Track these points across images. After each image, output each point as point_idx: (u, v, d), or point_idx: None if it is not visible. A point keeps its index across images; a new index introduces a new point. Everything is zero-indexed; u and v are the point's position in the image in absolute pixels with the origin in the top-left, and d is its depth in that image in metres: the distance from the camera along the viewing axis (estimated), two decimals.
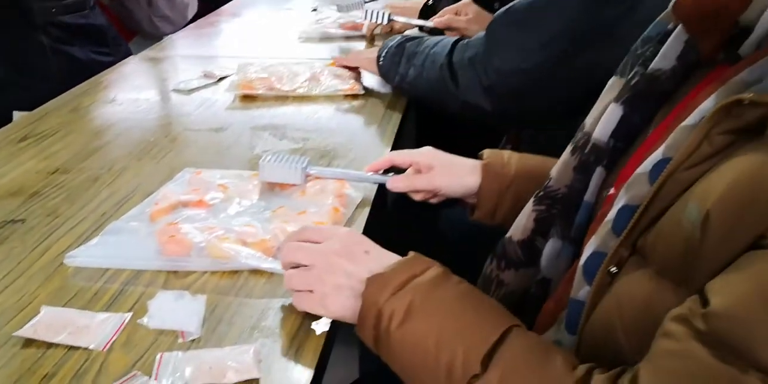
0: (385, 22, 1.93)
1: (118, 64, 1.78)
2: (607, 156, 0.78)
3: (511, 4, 1.29)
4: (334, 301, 0.73)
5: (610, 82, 0.82)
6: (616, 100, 0.77)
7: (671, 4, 0.71)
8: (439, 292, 0.69)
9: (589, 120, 0.82)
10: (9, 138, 1.29)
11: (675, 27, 0.74)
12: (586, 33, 1.18)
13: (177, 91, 1.55)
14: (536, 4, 1.23)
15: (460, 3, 1.86)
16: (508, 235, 0.90)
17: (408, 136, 1.89)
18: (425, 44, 1.42)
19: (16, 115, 1.75)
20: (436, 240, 1.35)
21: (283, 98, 1.49)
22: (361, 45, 1.95)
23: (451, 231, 1.37)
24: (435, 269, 0.72)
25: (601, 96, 0.82)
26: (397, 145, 1.38)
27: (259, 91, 1.50)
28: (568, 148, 0.84)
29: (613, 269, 0.65)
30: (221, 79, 1.62)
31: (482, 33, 1.33)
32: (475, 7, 1.85)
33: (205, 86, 1.58)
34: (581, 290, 0.69)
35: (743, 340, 0.49)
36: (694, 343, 0.52)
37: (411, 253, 0.75)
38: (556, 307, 0.77)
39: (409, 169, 1.05)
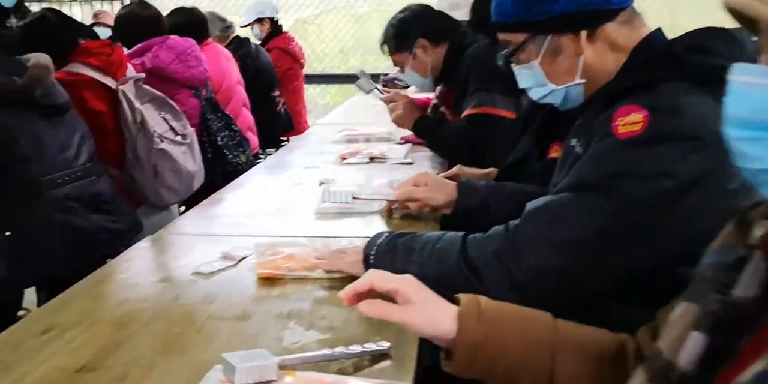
0: (349, 200, 1.97)
1: (133, 247, 1.79)
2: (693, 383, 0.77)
3: (543, 200, 1.31)
4: None
5: (681, 307, 0.82)
6: (696, 327, 0.77)
7: (760, 237, 0.74)
8: None
9: (664, 346, 0.81)
10: (31, 330, 1.27)
11: (748, 254, 0.76)
12: (620, 236, 1.21)
13: (198, 274, 1.55)
14: (569, 203, 1.25)
15: (416, 175, 1.90)
16: None
17: None
18: (423, 239, 1.39)
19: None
20: None
21: (304, 281, 1.49)
22: (377, 219, 1.96)
23: None
24: None
25: (674, 321, 0.82)
26: None
27: (281, 273, 1.50)
28: (643, 376, 0.82)
29: None
30: (241, 260, 1.62)
31: (499, 227, 1.33)
32: (432, 176, 1.89)
33: (226, 269, 1.58)
34: None
35: None
36: None
37: None
38: None
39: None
